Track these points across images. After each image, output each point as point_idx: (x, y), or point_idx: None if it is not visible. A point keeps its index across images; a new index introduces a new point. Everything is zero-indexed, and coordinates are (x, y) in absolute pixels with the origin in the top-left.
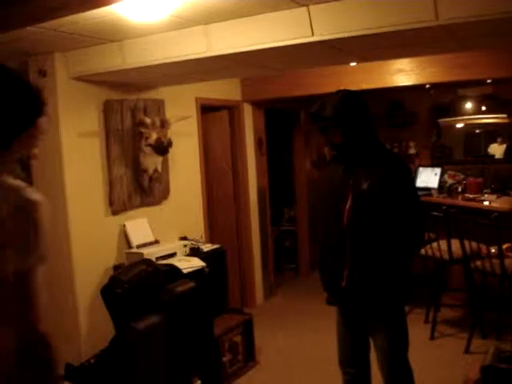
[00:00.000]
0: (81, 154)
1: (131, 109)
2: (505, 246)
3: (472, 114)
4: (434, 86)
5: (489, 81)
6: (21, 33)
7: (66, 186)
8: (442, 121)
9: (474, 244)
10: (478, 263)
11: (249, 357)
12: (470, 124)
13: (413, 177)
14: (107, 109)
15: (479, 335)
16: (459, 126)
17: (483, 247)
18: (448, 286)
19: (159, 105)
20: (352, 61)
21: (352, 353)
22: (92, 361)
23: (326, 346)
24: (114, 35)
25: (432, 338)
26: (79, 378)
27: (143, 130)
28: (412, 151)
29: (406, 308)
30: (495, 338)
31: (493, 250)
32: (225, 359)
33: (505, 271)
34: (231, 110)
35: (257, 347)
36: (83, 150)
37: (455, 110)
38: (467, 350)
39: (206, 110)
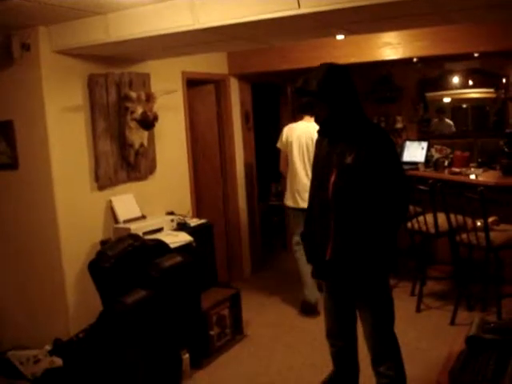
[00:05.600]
0: (66, 128)
1: (116, 83)
2: (490, 220)
3: (459, 88)
4: (422, 59)
5: (476, 54)
6: (4, 5)
7: (51, 162)
8: (429, 95)
9: (460, 217)
10: (464, 236)
11: (237, 330)
12: (457, 98)
13: (398, 151)
14: (92, 83)
15: (464, 307)
16: (446, 100)
17: (469, 220)
18: (434, 259)
19: (144, 79)
20: (339, 34)
21: (339, 325)
22: (80, 335)
23: (313, 319)
24: (97, 8)
25: (418, 310)
26: (68, 353)
27: (128, 105)
28: (399, 125)
29: (393, 281)
30: (480, 310)
31: (478, 224)
32: (213, 333)
33: (490, 244)
34: (218, 83)
35: (245, 321)
36: (68, 124)
37: (442, 84)
38: (453, 322)
39: (192, 83)
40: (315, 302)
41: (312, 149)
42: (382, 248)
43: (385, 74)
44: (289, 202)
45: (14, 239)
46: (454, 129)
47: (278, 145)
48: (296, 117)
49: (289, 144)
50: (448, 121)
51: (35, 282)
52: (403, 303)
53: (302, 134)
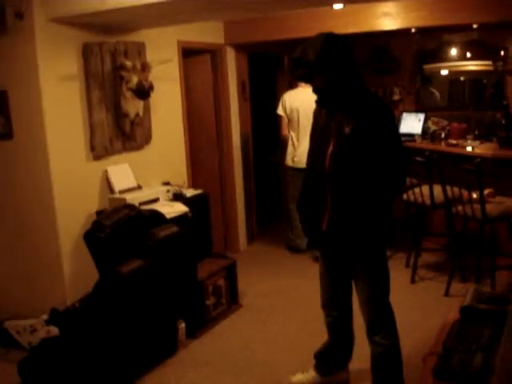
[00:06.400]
0: (60, 98)
1: (111, 52)
2: (486, 192)
3: (457, 60)
4: (420, 30)
5: (475, 26)
6: None
7: (46, 132)
8: (427, 67)
9: (456, 189)
10: (460, 208)
11: (232, 300)
12: (455, 71)
13: (396, 122)
14: (86, 52)
15: (459, 279)
16: (444, 72)
17: (465, 192)
18: (429, 230)
19: (140, 48)
20: (337, 3)
21: (334, 295)
22: (77, 305)
23: (308, 290)
24: None
25: (413, 281)
26: (64, 322)
27: (124, 74)
28: (396, 97)
29: (388, 252)
30: (474, 281)
31: (474, 196)
32: (208, 302)
33: (485, 216)
34: (214, 53)
35: (240, 291)
36: (63, 94)
37: (440, 56)
38: (447, 293)
39: (188, 53)
40: (304, 248)
41: None
42: (378, 219)
43: (382, 45)
44: (289, 162)
45: (10, 210)
46: (439, 97)
47: (280, 112)
48: (293, 85)
49: (294, 110)
50: (433, 90)
51: (31, 251)
52: (398, 274)
53: (305, 101)
